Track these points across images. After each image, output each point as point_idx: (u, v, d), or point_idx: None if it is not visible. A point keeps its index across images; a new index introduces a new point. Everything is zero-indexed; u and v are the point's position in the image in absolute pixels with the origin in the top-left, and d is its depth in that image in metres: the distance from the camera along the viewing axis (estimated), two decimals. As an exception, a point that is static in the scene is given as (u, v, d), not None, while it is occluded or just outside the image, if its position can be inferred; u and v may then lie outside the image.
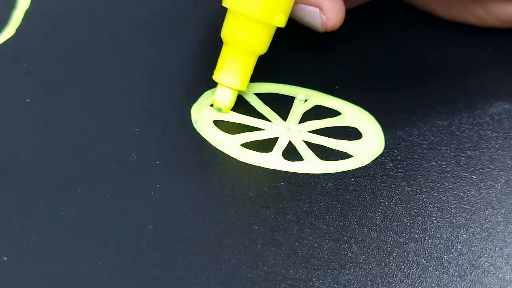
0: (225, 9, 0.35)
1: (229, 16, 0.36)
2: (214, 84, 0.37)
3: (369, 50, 0.40)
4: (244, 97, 0.38)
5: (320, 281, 0.30)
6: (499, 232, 0.32)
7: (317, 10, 0.36)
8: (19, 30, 0.41)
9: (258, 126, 0.36)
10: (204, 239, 0.32)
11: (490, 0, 0.38)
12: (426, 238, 0.32)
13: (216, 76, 0.36)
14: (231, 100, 0.36)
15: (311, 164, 0.35)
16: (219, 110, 0.37)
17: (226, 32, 0.36)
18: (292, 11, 0.37)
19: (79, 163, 0.34)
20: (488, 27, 0.40)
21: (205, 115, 0.37)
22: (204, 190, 0.34)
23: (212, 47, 0.40)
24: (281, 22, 0.35)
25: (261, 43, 0.36)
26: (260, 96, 0.38)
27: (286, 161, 0.35)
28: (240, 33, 0.35)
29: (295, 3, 0.37)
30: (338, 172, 0.34)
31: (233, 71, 0.36)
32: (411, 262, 0.31)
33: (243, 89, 0.36)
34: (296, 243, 0.32)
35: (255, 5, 0.35)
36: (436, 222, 0.32)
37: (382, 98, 0.37)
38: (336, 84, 0.38)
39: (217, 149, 0.35)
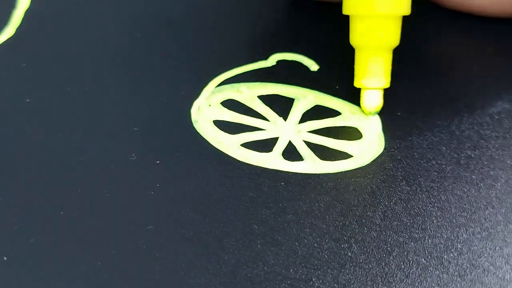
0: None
1: (355, 22, 0.36)
2: (214, 85, 0.37)
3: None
4: (245, 98, 0.38)
5: (320, 281, 0.30)
6: (499, 231, 0.32)
7: None
8: (19, 30, 0.41)
9: (258, 126, 0.36)
10: (204, 239, 0.32)
11: None
12: (426, 237, 0.32)
13: (360, 82, 0.36)
14: (381, 100, 0.36)
15: (311, 164, 0.35)
16: (372, 113, 0.37)
17: (357, 38, 0.36)
18: None
19: (79, 163, 0.34)
20: (486, 16, 0.39)
21: (205, 115, 0.37)
22: (204, 190, 0.34)
23: (212, 47, 0.40)
24: (407, 9, 0.36)
25: (394, 37, 0.36)
26: (261, 97, 0.38)
27: (286, 161, 0.35)
28: (372, 35, 0.35)
29: None
30: (338, 172, 0.34)
31: (375, 72, 0.36)
32: (411, 261, 0.31)
33: (388, 86, 0.36)
34: (296, 242, 0.32)
35: (379, 3, 0.35)
36: (436, 221, 0.32)
37: (383, 98, 0.37)
38: (336, 84, 0.38)
39: (217, 149, 0.35)
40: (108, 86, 0.38)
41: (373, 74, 0.36)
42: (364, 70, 0.36)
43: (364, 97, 0.36)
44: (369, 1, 0.35)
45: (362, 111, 0.36)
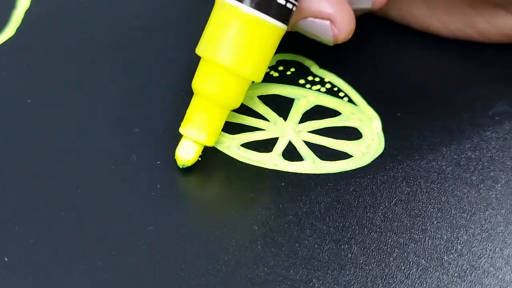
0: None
1: (202, 65, 0.34)
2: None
3: (369, 50, 0.40)
4: (245, 98, 0.38)
5: (320, 282, 0.30)
6: (499, 233, 0.32)
7: (328, 22, 0.35)
8: (19, 30, 0.41)
9: (258, 126, 0.36)
10: (204, 240, 0.32)
11: (495, 13, 0.37)
12: (426, 238, 0.32)
13: (182, 129, 0.34)
14: (194, 154, 0.34)
15: (311, 164, 0.35)
16: (183, 166, 0.34)
17: (197, 82, 0.34)
18: (300, 25, 0.35)
19: (79, 163, 0.34)
20: (489, 42, 0.39)
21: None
22: (204, 190, 0.34)
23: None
24: (257, 76, 0.34)
25: (235, 97, 0.34)
26: (262, 97, 0.38)
27: (286, 161, 0.35)
28: (211, 84, 0.33)
29: (303, 17, 0.35)
30: (338, 172, 0.34)
31: (200, 125, 0.34)
32: (411, 262, 0.31)
33: (210, 144, 0.34)
34: (296, 243, 0.32)
35: (229, 55, 0.33)
36: (436, 222, 0.32)
37: (382, 98, 0.37)
38: (336, 84, 0.38)
39: (217, 149, 0.35)
40: (108, 87, 0.38)
41: (197, 126, 0.34)
42: (189, 116, 0.34)
43: (180, 145, 0.34)
44: (217, 49, 0.33)
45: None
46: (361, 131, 0.36)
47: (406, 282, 0.30)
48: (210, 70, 0.33)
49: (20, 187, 0.34)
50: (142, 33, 0.41)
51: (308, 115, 0.37)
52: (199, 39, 0.34)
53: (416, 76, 0.37)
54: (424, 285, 0.30)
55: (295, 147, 0.35)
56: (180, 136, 0.34)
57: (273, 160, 0.35)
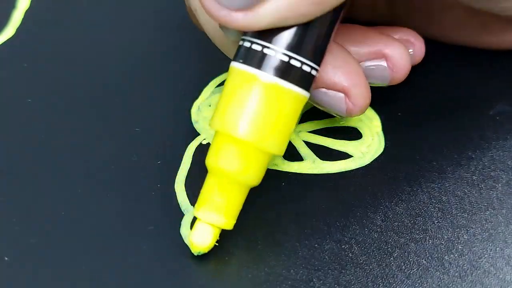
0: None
1: (218, 140, 0.30)
2: (214, 85, 0.37)
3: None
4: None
5: (321, 282, 0.30)
6: (500, 233, 0.32)
7: (342, 95, 0.32)
8: (19, 30, 0.41)
9: (258, 126, 0.36)
10: (204, 239, 0.32)
11: (504, 29, 0.37)
12: (427, 238, 0.32)
13: (197, 212, 0.30)
14: (211, 239, 0.31)
15: (311, 164, 0.35)
16: (198, 253, 0.31)
17: (214, 159, 0.30)
18: (313, 96, 0.32)
19: (79, 163, 0.34)
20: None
21: (205, 115, 0.37)
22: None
23: (212, 47, 0.40)
24: (280, 150, 0.31)
25: (257, 174, 0.30)
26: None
27: (286, 161, 0.35)
28: (231, 162, 0.30)
29: (316, 87, 0.32)
30: (338, 172, 0.34)
31: (218, 206, 0.30)
32: (412, 262, 0.31)
33: (229, 227, 0.31)
34: (297, 243, 0.32)
35: (249, 128, 0.29)
36: (437, 222, 0.32)
37: (382, 98, 0.37)
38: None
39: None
40: (108, 86, 0.38)
41: (213, 207, 0.30)
42: (205, 197, 0.30)
43: (194, 229, 0.31)
44: (232, 120, 0.29)
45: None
46: (361, 131, 0.36)
47: (406, 282, 0.30)
48: (229, 145, 0.30)
49: (20, 187, 0.34)
50: (143, 32, 0.41)
51: (308, 115, 0.37)
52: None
53: (416, 76, 0.37)
54: (425, 285, 0.30)
55: (295, 147, 0.35)
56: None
57: (273, 160, 0.35)
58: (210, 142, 0.35)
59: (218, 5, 0.29)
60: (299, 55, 0.29)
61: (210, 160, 0.30)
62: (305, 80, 0.30)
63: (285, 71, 0.29)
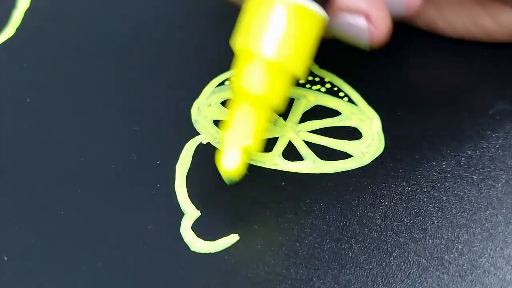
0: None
1: (241, 61, 0.31)
2: (214, 85, 0.38)
3: (368, 51, 0.40)
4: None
5: (321, 281, 0.30)
6: (499, 232, 0.32)
7: (363, 19, 0.32)
8: (19, 30, 0.41)
9: (258, 126, 0.36)
10: (204, 239, 0.32)
11: (500, 10, 0.37)
12: (427, 238, 0.32)
13: (223, 136, 0.31)
14: (239, 162, 0.31)
15: (311, 164, 0.35)
16: (230, 181, 0.31)
17: (241, 81, 0.31)
18: (334, 23, 0.33)
19: (79, 163, 0.35)
20: (495, 42, 0.39)
21: (205, 115, 0.37)
22: (204, 190, 0.34)
23: (212, 47, 0.40)
24: (304, 73, 0.31)
25: (281, 96, 0.31)
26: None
27: (286, 161, 0.35)
28: (259, 84, 0.30)
29: (337, 10, 0.32)
30: (338, 172, 0.34)
31: (244, 129, 0.31)
32: (412, 262, 0.31)
33: (257, 151, 0.32)
34: (297, 243, 0.32)
35: (277, 48, 0.30)
36: (437, 222, 0.32)
37: (382, 98, 0.37)
38: (336, 84, 0.38)
39: (217, 149, 0.35)
40: (108, 86, 0.38)
41: (238, 130, 0.31)
42: (230, 122, 0.31)
43: (223, 155, 0.31)
44: (260, 42, 0.30)
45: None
46: (361, 131, 0.36)
47: (406, 281, 0.30)
48: (254, 66, 0.31)
49: (20, 187, 0.34)
50: (143, 32, 0.41)
51: (308, 115, 0.37)
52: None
53: (416, 76, 0.37)
54: (425, 284, 0.30)
55: (295, 147, 0.35)
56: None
57: (273, 160, 0.35)
58: (210, 142, 0.35)
59: None
60: None
61: (236, 83, 0.31)
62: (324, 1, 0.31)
63: None
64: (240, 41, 0.31)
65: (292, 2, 0.30)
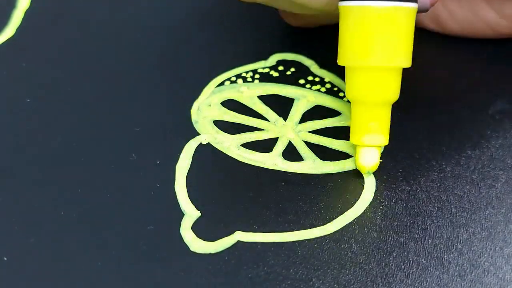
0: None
1: (351, 74, 0.33)
2: (214, 85, 0.38)
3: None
4: (245, 98, 0.38)
5: (320, 281, 0.30)
6: (499, 231, 0.32)
7: None
8: (19, 30, 0.41)
9: (258, 126, 0.36)
10: (204, 239, 0.32)
11: (506, 3, 0.37)
12: (426, 237, 0.32)
13: (357, 139, 0.34)
14: (378, 158, 0.34)
15: (311, 164, 0.35)
16: (369, 173, 0.34)
17: (354, 91, 0.33)
18: None
19: (79, 163, 0.34)
20: (495, 36, 0.39)
21: (205, 115, 0.37)
22: (204, 190, 0.34)
23: (212, 47, 0.40)
24: (407, 62, 0.33)
25: (393, 91, 0.33)
26: (262, 97, 0.38)
27: (286, 161, 0.35)
28: (370, 89, 0.33)
29: None
30: (338, 172, 0.34)
31: (374, 129, 0.33)
32: (411, 261, 0.31)
33: (387, 143, 0.34)
34: (296, 243, 0.32)
35: (377, 55, 0.32)
36: (436, 221, 0.32)
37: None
38: (336, 84, 0.38)
39: (217, 149, 0.35)
40: (108, 86, 0.38)
41: (371, 131, 0.33)
42: (361, 126, 0.34)
43: (361, 154, 0.34)
44: (366, 52, 0.33)
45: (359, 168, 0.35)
46: (361, 131, 0.36)
47: (406, 281, 0.30)
48: (364, 75, 0.33)
49: (20, 187, 0.34)
50: (143, 32, 0.41)
51: (308, 115, 0.37)
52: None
53: (416, 76, 0.37)
54: (424, 284, 0.30)
55: (295, 147, 0.35)
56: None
57: (273, 160, 0.35)
58: (210, 142, 0.35)
59: None
60: None
61: (353, 93, 0.34)
62: None
63: None
64: (347, 57, 0.33)
65: (381, 6, 0.32)
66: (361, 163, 0.34)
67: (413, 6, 0.33)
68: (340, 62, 0.34)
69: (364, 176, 0.34)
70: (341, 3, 0.33)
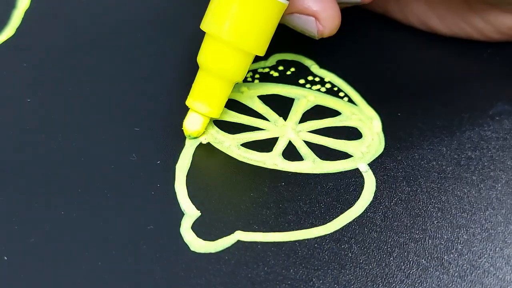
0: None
1: (206, 40, 0.35)
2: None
3: (369, 50, 0.40)
4: (245, 98, 0.38)
5: (321, 281, 0.30)
6: (499, 232, 0.32)
7: (313, 19, 0.35)
8: (19, 30, 0.41)
9: (258, 126, 0.36)
10: (204, 240, 0.32)
11: (490, 11, 0.37)
12: (426, 238, 0.32)
13: (189, 101, 0.35)
14: (201, 126, 0.35)
15: (311, 164, 0.35)
16: (189, 137, 0.36)
17: (202, 56, 0.35)
18: (287, 20, 0.36)
19: (79, 163, 0.34)
20: (487, 40, 0.39)
21: (205, 115, 0.37)
22: (204, 190, 0.34)
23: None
24: (260, 50, 0.35)
25: (238, 71, 0.35)
26: (262, 97, 0.38)
27: (286, 161, 0.35)
28: (215, 59, 0.34)
29: (289, 12, 0.36)
30: (338, 172, 0.34)
31: (206, 98, 0.35)
32: (411, 262, 0.31)
33: (216, 116, 0.35)
34: (296, 243, 0.32)
35: (231, 30, 0.34)
36: (437, 222, 0.32)
37: (382, 98, 0.37)
38: (336, 84, 0.38)
39: (217, 149, 0.35)
40: (108, 86, 0.38)
41: (202, 98, 0.35)
42: (196, 91, 0.35)
43: (187, 117, 0.35)
44: (223, 25, 0.34)
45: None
46: (361, 131, 0.36)
47: (406, 281, 0.30)
48: (214, 44, 0.34)
49: (20, 187, 0.34)
50: (142, 33, 0.41)
51: (308, 115, 0.37)
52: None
53: (416, 76, 0.37)
54: (424, 284, 0.30)
55: (295, 147, 0.35)
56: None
57: (273, 160, 0.35)
58: (210, 142, 0.35)
59: None
60: None
61: (200, 58, 0.35)
62: None
63: None
64: (204, 23, 0.34)
65: None
66: (185, 126, 0.35)
67: (281, 0, 0.34)
68: (202, 26, 0.35)
69: (364, 176, 0.34)
70: None
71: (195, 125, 0.35)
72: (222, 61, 0.34)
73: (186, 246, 0.32)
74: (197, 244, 0.32)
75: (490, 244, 0.31)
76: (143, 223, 0.32)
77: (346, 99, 0.37)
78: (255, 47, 0.34)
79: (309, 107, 0.37)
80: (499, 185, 0.33)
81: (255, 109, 0.37)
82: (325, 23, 0.35)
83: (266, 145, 0.35)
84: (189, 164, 0.35)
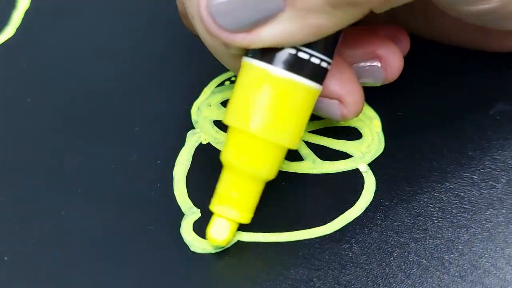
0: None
1: (232, 136, 0.30)
2: (214, 85, 0.38)
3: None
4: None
5: (321, 281, 0.30)
6: (500, 232, 0.32)
7: (337, 102, 0.33)
8: (19, 30, 0.41)
9: (258, 126, 0.36)
10: (204, 239, 0.32)
11: (505, 34, 0.36)
12: (427, 238, 0.32)
13: (214, 206, 0.31)
14: (229, 233, 0.31)
15: (311, 164, 0.35)
16: (216, 247, 0.31)
17: (229, 155, 0.30)
18: None
19: (79, 163, 0.34)
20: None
21: (205, 115, 0.37)
22: (204, 190, 0.34)
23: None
24: (294, 143, 0.31)
25: (271, 168, 0.31)
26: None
27: (286, 161, 0.35)
28: (246, 157, 0.30)
29: None
30: (338, 172, 0.34)
31: (235, 201, 0.31)
32: (412, 262, 0.31)
33: (247, 222, 0.31)
34: (297, 243, 0.32)
35: (262, 123, 0.29)
36: (437, 222, 0.32)
37: (383, 98, 0.37)
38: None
39: (217, 149, 0.35)
40: (108, 86, 0.38)
41: (229, 202, 0.31)
42: (221, 193, 0.31)
43: (212, 223, 0.31)
44: (249, 117, 0.29)
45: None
46: (361, 131, 0.36)
47: (407, 281, 0.30)
48: (242, 140, 0.30)
49: (20, 187, 0.34)
50: (143, 32, 0.41)
51: (308, 115, 0.37)
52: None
53: (416, 76, 0.37)
54: (425, 284, 0.30)
55: (295, 147, 0.35)
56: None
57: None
58: (210, 142, 0.35)
59: (220, 27, 0.29)
60: (307, 48, 0.29)
61: (226, 156, 0.30)
62: (315, 73, 0.30)
63: (294, 64, 0.29)
64: (228, 116, 0.30)
65: (280, 75, 0.29)
66: (210, 234, 0.31)
67: (314, 86, 0.30)
68: (225, 120, 0.31)
69: (364, 176, 0.34)
70: (243, 59, 0.30)
71: (223, 233, 0.31)
72: (254, 160, 0.30)
73: (186, 246, 0.32)
74: (197, 245, 0.32)
75: (491, 244, 0.31)
76: (143, 223, 0.32)
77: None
78: (290, 140, 0.30)
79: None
80: (500, 184, 0.33)
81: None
82: (350, 108, 0.33)
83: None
84: (189, 164, 0.35)
